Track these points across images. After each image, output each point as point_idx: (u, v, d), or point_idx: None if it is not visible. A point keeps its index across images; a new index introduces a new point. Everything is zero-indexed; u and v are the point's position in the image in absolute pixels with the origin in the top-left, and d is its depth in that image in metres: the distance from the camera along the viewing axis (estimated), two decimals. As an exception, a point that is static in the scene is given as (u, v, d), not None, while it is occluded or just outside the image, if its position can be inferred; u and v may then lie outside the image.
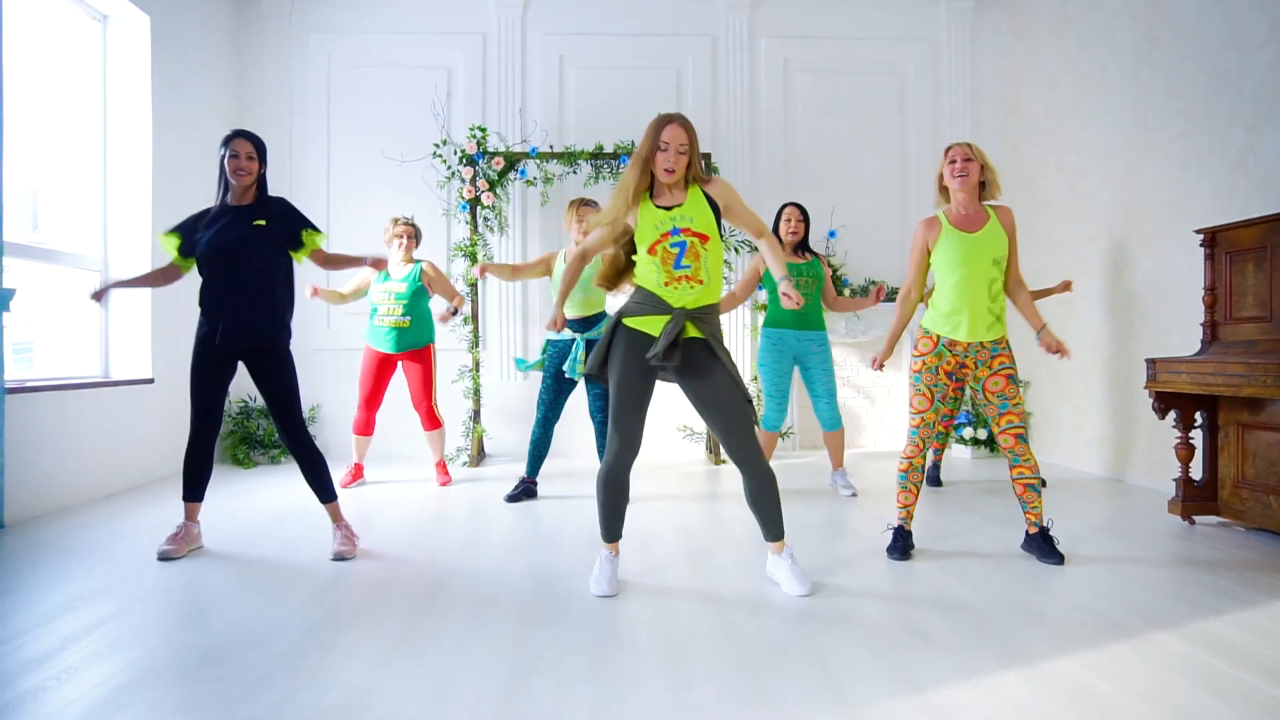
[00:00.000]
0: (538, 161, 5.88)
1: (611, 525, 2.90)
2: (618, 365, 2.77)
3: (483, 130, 5.79)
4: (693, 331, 2.76)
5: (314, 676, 2.15)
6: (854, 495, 4.53)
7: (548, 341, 4.49)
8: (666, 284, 2.73)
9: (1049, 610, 2.63)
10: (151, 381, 5.01)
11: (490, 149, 5.84)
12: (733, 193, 2.86)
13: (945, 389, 3.28)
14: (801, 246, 4.57)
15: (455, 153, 5.87)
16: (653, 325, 2.75)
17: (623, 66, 6.39)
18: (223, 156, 3.32)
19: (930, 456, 4.96)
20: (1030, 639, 2.38)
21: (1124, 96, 4.97)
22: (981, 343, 3.20)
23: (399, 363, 4.89)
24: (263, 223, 3.35)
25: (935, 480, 4.80)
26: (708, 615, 2.62)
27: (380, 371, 4.86)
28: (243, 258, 3.30)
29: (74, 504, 4.35)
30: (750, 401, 2.79)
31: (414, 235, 4.91)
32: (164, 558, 3.24)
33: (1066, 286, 4.68)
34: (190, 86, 5.53)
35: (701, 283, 2.75)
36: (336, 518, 3.44)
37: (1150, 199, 4.75)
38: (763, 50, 6.49)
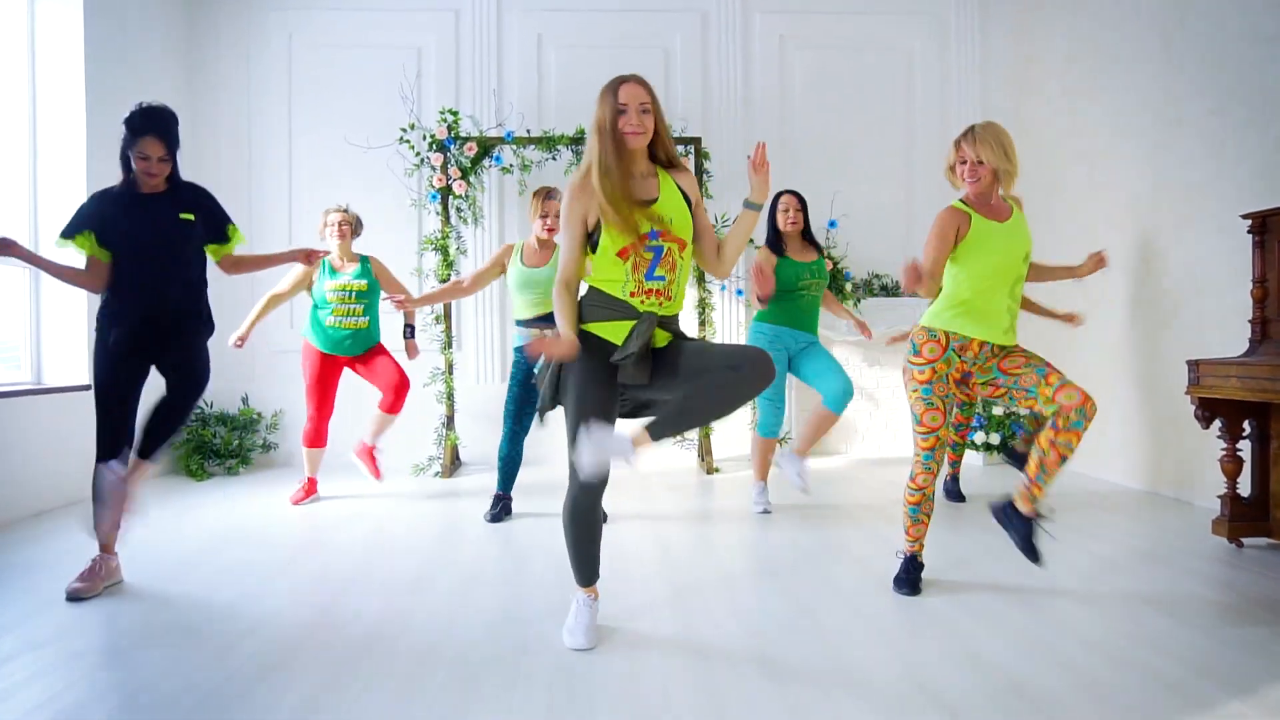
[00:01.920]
0: (514, 147, 5.45)
1: (585, 567, 2.45)
2: (576, 378, 2.30)
3: (454, 114, 5.35)
4: (661, 339, 2.34)
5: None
6: (766, 513, 4.10)
7: (515, 350, 4.06)
8: (633, 294, 2.29)
9: (1093, 668, 2.20)
10: (88, 388, 4.58)
11: (463, 134, 5.41)
12: (699, 192, 2.42)
13: (953, 400, 2.84)
14: (804, 237, 4.12)
15: (425, 138, 5.44)
16: (617, 332, 2.30)
17: (605, 45, 5.95)
18: (126, 144, 2.89)
19: (946, 469, 4.51)
20: (1075, 708, 1.95)
21: (1151, 68, 4.53)
22: (994, 346, 2.78)
23: (345, 366, 4.43)
24: (190, 217, 2.99)
25: (956, 495, 4.37)
26: (688, 673, 2.20)
27: (329, 376, 4.39)
28: (169, 255, 2.96)
29: (1, 522, 3.94)
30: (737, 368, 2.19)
31: (351, 224, 4.43)
32: (73, 597, 2.82)
33: (1071, 319, 3.98)
34: (132, 66, 5.08)
35: (671, 299, 2.33)
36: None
37: (1181, 182, 4.31)
38: (757, 26, 6.04)
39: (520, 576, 3.10)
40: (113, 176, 3.04)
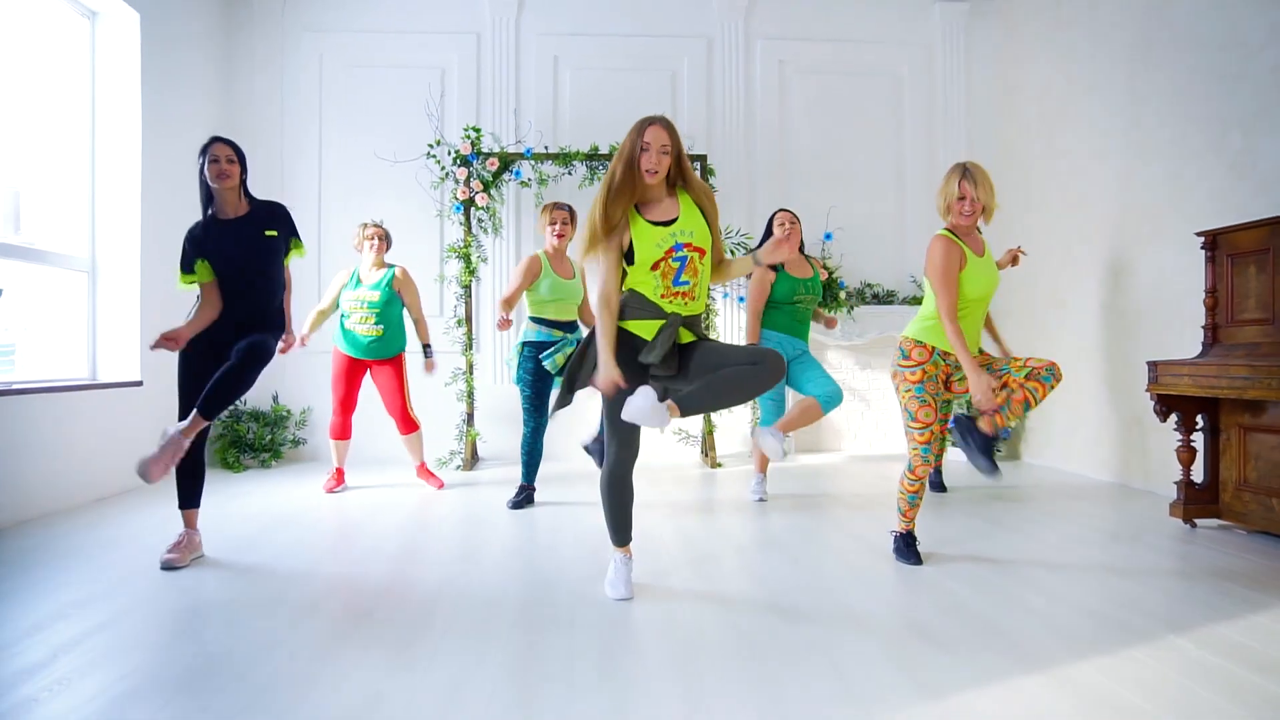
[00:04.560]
0: (532, 162, 5.84)
1: (621, 528, 2.87)
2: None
3: (477, 131, 5.74)
4: (685, 337, 2.76)
5: (317, 687, 2.09)
6: (762, 500, 4.48)
7: (522, 346, 4.39)
8: (663, 296, 2.70)
9: (1060, 615, 2.61)
10: (140, 384, 4.92)
11: (485, 150, 5.79)
12: (714, 209, 2.80)
13: (941, 397, 3.23)
14: (801, 253, 4.53)
15: (449, 153, 5.82)
16: (647, 330, 2.71)
17: (618, 68, 6.36)
18: (201, 165, 3.25)
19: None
20: (1045, 643, 2.35)
21: (1119, 98, 4.98)
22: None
23: (369, 367, 4.83)
24: (274, 234, 3.34)
25: (939, 486, 4.78)
26: (716, 619, 2.58)
27: (352, 375, 4.81)
28: (257, 270, 3.31)
29: (63, 509, 4.27)
30: (757, 363, 2.57)
31: (384, 238, 4.83)
32: (167, 567, 3.14)
33: (1014, 259, 4.54)
34: (180, 85, 5.45)
35: (694, 299, 2.74)
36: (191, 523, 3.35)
37: (1147, 201, 4.76)
38: (758, 52, 6.47)
39: (552, 551, 3.47)
40: (165, 194, 3.37)
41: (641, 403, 2.52)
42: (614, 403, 2.70)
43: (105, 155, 4.94)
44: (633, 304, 2.72)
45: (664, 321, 2.67)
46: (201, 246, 3.28)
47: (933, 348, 3.15)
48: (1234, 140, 4.12)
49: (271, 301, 3.39)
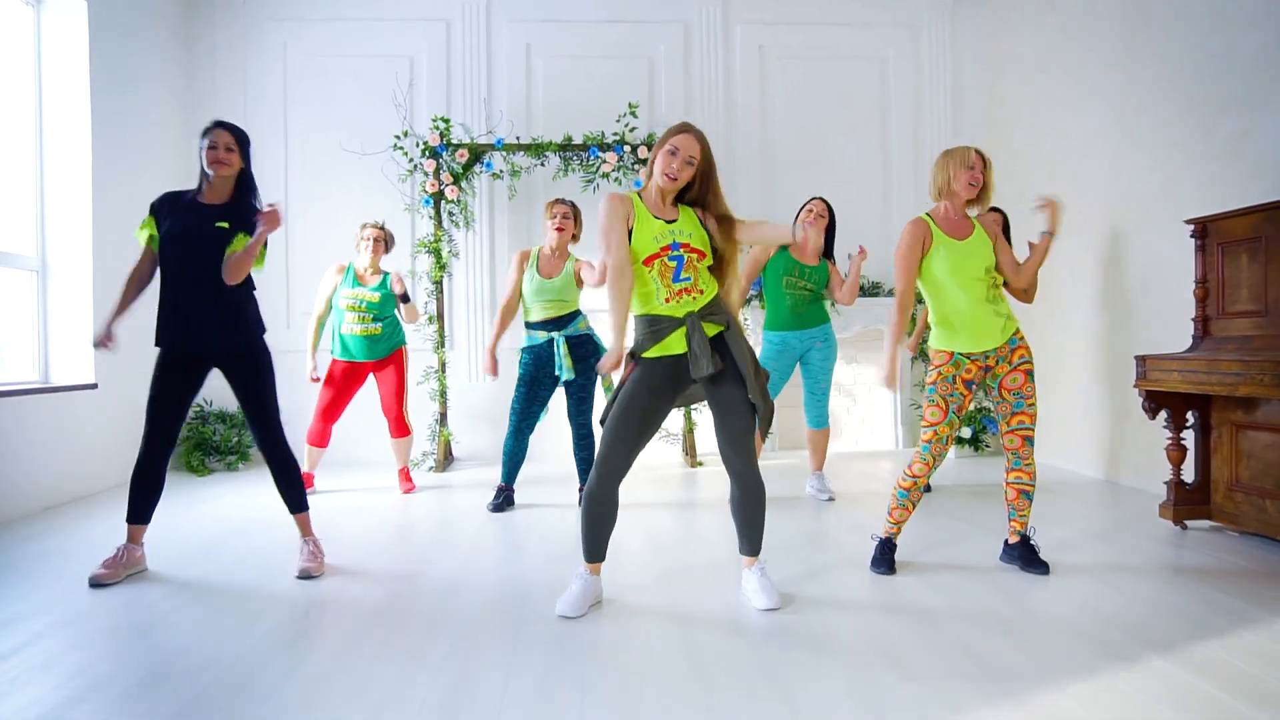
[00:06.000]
0: (504, 154, 5.65)
1: (595, 544, 2.71)
2: (630, 394, 2.61)
3: (446, 121, 5.55)
4: (711, 329, 2.63)
5: (242, 707, 1.94)
6: (831, 500, 4.34)
7: (524, 350, 4.27)
8: (667, 300, 2.59)
9: (1036, 631, 2.44)
10: (95, 387, 4.75)
11: (454, 141, 5.60)
12: (733, 237, 2.71)
13: (962, 400, 3.04)
14: (827, 242, 4.35)
15: (417, 145, 5.63)
16: (673, 345, 2.60)
17: (592, 55, 6.16)
18: (201, 148, 3.05)
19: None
20: (1016, 666, 2.19)
21: (1110, 82, 4.79)
22: (995, 351, 3.02)
23: (369, 372, 4.65)
24: (225, 225, 3.06)
25: (924, 486, 4.60)
26: (671, 637, 2.42)
27: (346, 382, 4.61)
28: (196, 256, 3.02)
29: (10, 518, 4.10)
30: (756, 410, 2.63)
31: (385, 240, 4.63)
32: (96, 583, 2.98)
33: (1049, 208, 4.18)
34: (133, 76, 5.25)
35: (701, 292, 2.63)
36: (306, 530, 3.24)
37: (1138, 188, 4.58)
38: (738, 37, 6.27)
39: (515, 559, 3.31)
40: (118, 189, 3.18)
41: (576, 589, 2.65)
42: (621, 425, 2.59)
43: (54, 150, 4.74)
44: (646, 331, 2.62)
45: (684, 328, 2.58)
46: (157, 212, 3.08)
47: (952, 352, 3.02)
48: (1226, 124, 3.94)
49: (226, 306, 3.07)
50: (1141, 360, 3.65)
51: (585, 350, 4.16)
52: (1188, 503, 3.61)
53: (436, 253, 5.53)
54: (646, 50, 6.22)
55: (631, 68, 6.17)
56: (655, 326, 2.61)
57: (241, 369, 3.12)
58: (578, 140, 5.60)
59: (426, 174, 5.50)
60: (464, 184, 5.62)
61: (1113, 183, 4.78)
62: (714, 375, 2.59)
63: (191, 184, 3.56)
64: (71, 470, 4.58)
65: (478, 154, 5.59)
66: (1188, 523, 3.66)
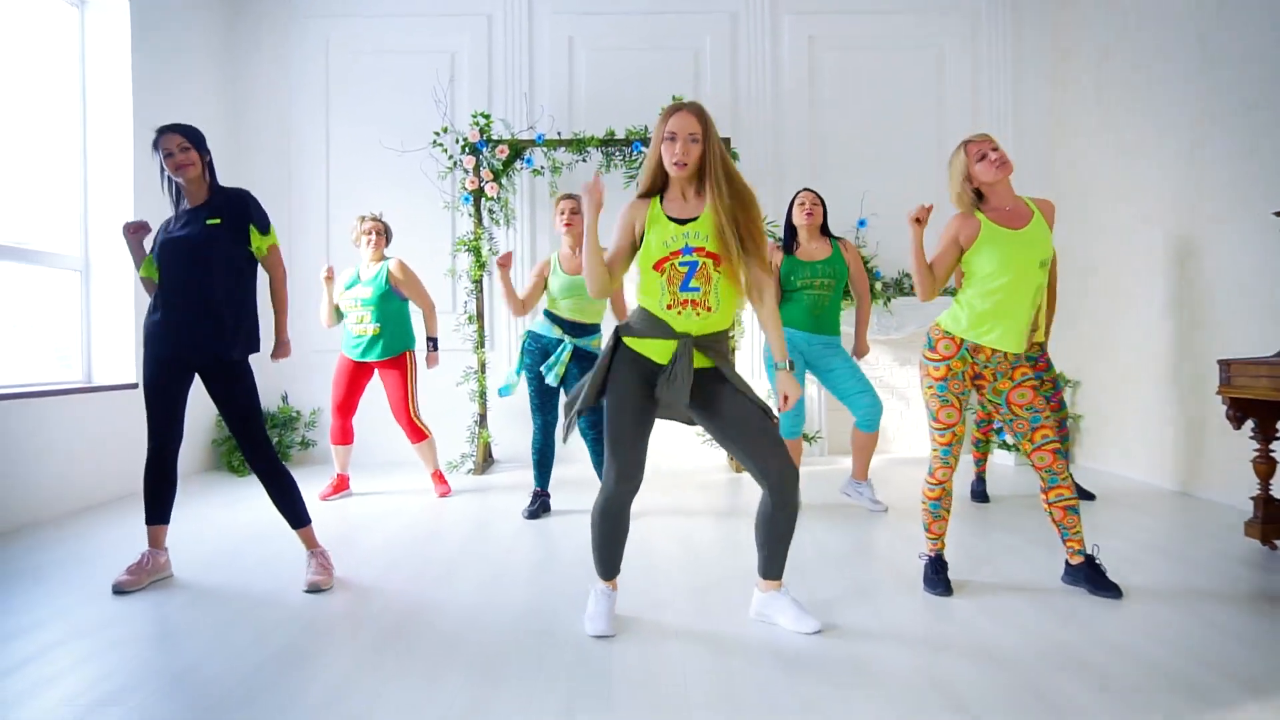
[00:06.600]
0: (545, 149, 5.52)
1: (608, 562, 2.55)
2: (615, 388, 2.42)
3: (486, 117, 5.44)
4: (701, 361, 2.41)
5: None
6: (884, 510, 4.11)
7: (526, 335, 4.13)
8: (669, 306, 2.37)
9: (1109, 666, 2.21)
10: (136, 386, 4.76)
11: (494, 137, 5.50)
12: (751, 214, 2.42)
13: (970, 397, 2.84)
14: (823, 233, 4.12)
15: (457, 141, 5.54)
16: (655, 350, 2.40)
17: (636, 47, 6.00)
18: (159, 161, 2.99)
19: (972, 469, 4.53)
20: (1090, 710, 1.96)
21: (1186, 64, 4.46)
22: (1006, 355, 2.79)
23: (375, 370, 4.55)
24: (217, 221, 3.00)
25: (981, 495, 4.35)
26: (705, 663, 2.25)
27: (353, 379, 4.54)
28: (193, 260, 2.97)
29: (54, 516, 4.12)
30: (770, 413, 2.41)
31: (383, 232, 4.55)
32: (119, 590, 2.93)
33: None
34: (176, 76, 5.26)
35: (710, 310, 2.38)
36: (311, 544, 3.12)
37: (1216, 178, 4.25)
38: (786, 27, 6.05)
39: (544, 572, 3.17)
40: (162, 192, 3.13)
41: (594, 609, 2.52)
42: (616, 423, 2.41)
43: (97, 150, 4.76)
44: (638, 321, 2.43)
45: (676, 344, 2.36)
46: (156, 239, 3.04)
47: (961, 341, 2.78)
48: (1321, 106, 3.61)
49: (217, 309, 2.98)
50: (1225, 365, 3.36)
51: (581, 368, 4.00)
52: (1277, 520, 3.30)
53: (476, 251, 5.43)
54: (692, 42, 6.03)
55: (676, 60, 5.99)
56: (649, 323, 2.40)
57: (219, 375, 3.03)
58: (620, 135, 5.45)
59: (466, 171, 5.41)
60: (504, 181, 5.51)
61: (1188, 174, 4.45)
62: (709, 402, 2.41)
63: (231, 183, 3.49)
64: (114, 469, 4.58)
65: (518, 150, 5.48)
66: (1277, 543, 3.35)
